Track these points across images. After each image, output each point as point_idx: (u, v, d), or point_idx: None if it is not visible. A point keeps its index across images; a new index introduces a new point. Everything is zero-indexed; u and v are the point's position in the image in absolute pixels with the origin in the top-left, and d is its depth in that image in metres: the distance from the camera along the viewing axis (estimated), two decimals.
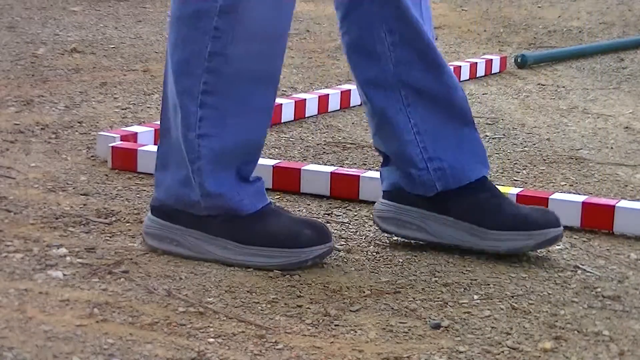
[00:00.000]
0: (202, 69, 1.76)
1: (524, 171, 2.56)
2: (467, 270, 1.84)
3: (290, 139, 2.77)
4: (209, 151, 1.78)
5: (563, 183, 2.46)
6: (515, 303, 1.69)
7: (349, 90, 3.20)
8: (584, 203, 2.10)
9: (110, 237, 1.92)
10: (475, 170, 1.93)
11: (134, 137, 2.52)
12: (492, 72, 3.92)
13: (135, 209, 2.09)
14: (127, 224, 1.99)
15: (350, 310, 1.63)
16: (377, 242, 1.97)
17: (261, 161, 2.19)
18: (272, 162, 2.32)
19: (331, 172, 2.25)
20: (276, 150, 2.65)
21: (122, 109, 2.98)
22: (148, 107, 3.02)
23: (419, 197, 1.93)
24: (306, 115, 3.04)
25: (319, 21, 4.93)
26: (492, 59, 3.93)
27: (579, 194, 2.30)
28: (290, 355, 1.46)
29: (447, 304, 1.68)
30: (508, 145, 2.83)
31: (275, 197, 2.23)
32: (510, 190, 2.15)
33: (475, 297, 1.71)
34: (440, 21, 5.00)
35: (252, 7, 1.74)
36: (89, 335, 1.47)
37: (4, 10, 4.59)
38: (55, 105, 2.95)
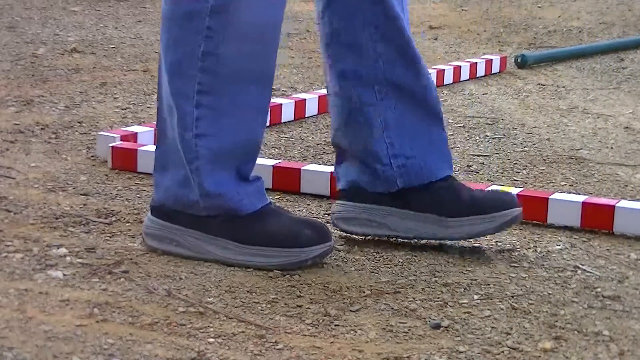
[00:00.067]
0: (196, 69, 1.76)
1: (524, 171, 2.56)
2: (467, 270, 1.84)
3: (290, 139, 2.77)
4: (207, 151, 1.78)
5: (563, 183, 2.46)
6: (515, 303, 1.69)
7: None
8: (584, 203, 2.10)
9: (110, 237, 1.92)
10: (442, 169, 1.94)
11: (134, 137, 2.52)
12: (492, 72, 3.93)
13: (135, 209, 2.09)
14: (127, 224, 1.99)
15: (350, 310, 1.63)
16: (377, 242, 1.97)
17: (261, 161, 2.18)
18: (272, 162, 2.32)
19: (331, 172, 2.25)
20: (276, 150, 2.64)
21: (122, 109, 2.98)
22: (148, 107, 3.02)
23: (379, 195, 1.93)
24: (306, 115, 3.04)
25: None
26: (492, 59, 3.93)
27: (579, 194, 2.30)
28: (290, 355, 1.46)
29: (447, 304, 1.68)
30: (508, 145, 2.83)
31: (275, 197, 2.23)
32: (510, 191, 2.15)
33: (475, 297, 1.71)
34: (440, 21, 5.00)
35: (243, 6, 1.74)
36: (89, 335, 1.47)
37: (4, 10, 4.59)
38: (55, 105, 2.95)
